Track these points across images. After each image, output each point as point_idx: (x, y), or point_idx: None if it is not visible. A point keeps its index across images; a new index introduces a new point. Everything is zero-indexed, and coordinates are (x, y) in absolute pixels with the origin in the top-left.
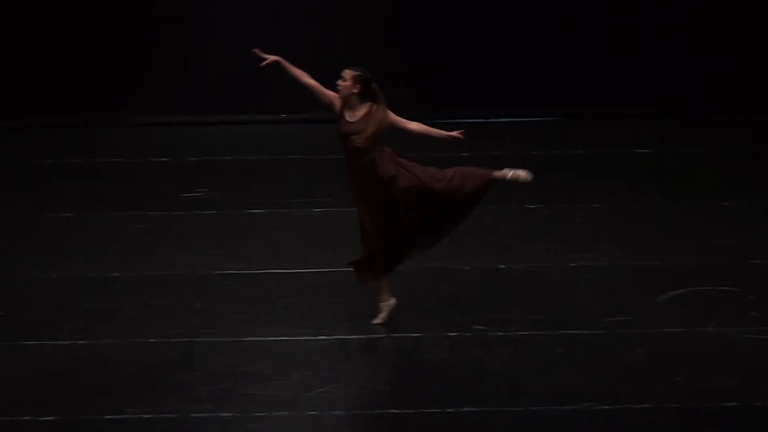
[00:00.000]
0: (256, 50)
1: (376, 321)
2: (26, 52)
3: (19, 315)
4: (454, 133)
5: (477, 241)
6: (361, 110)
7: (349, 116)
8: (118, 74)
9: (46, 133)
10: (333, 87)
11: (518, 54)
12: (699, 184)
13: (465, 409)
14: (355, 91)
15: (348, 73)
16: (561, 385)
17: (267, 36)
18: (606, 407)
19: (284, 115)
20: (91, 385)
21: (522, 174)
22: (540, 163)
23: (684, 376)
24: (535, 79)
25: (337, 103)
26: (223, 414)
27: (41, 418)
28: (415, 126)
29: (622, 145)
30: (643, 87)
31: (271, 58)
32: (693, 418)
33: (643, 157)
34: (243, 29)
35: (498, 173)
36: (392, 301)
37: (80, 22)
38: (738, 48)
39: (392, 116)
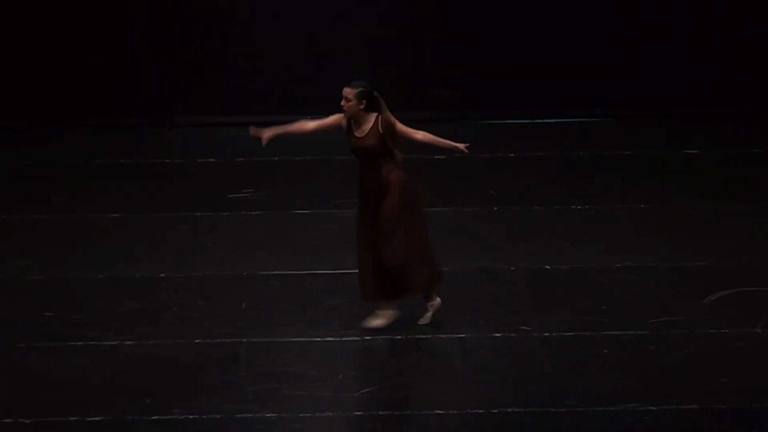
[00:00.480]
0: (252, 129)
1: (422, 321)
2: (74, 52)
3: (67, 315)
4: (460, 146)
5: (523, 241)
6: (368, 123)
7: (357, 132)
8: (165, 75)
9: (92, 134)
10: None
11: (565, 54)
12: (746, 185)
13: (510, 410)
14: (361, 107)
15: (350, 92)
16: (606, 385)
17: (313, 36)
18: (652, 408)
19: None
20: (138, 386)
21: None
22: (586, 163)
23: (731, 377)
24: (582, 80)
25: (343, 122)
26: (268, 414)
27: (89, 419)
28: (421, 135)
29: (669, 145)
30: (689, 88)
31: (267, 134)
32: (740, 419)
33: (690, 157)
34: (290, 30)
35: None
36: (437, 302)
37: (127, 23)
38: None
39: (399, 126)
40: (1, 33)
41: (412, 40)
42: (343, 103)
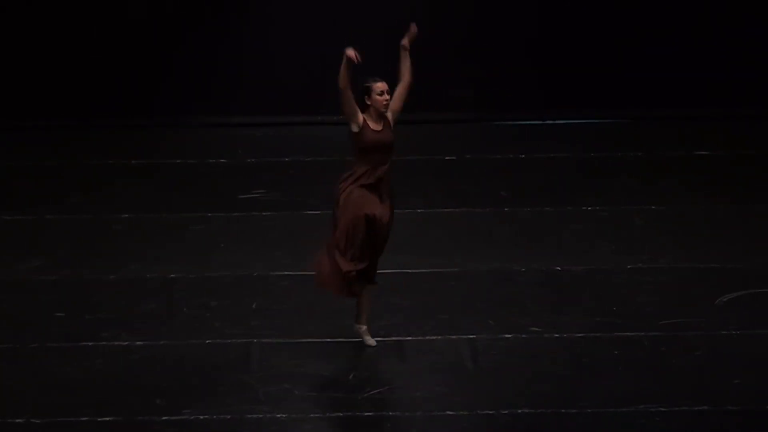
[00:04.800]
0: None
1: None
2: (88, 54)
3: (79, 316)
4: (409, 34)
5: (535, 242)
6: (383, 117)
7: (374, 125)
8: (177, 76)
9: (105, 135)
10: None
11: (579, 56)
12: (759, 186)
13: (520, 411)
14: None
15: (386, 85)
16: (618, 387)
17: (328, 38)
18: (663, 409)
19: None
20: (149, 386)
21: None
22: (599, 165)
23: (743, 379)
24: (596, 82)
25: (360, 117)
26: (279, 415)
27: (100, 419)
28: (406, 79)
29: (682, 147)
30: (703, 89)
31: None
32: (752, 421)
33: (703, 159)
34: (302, 31)
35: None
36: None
37: (140, 25)
38: None
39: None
40: (16, 34)
41: (426, 41)
42: (386, 97)
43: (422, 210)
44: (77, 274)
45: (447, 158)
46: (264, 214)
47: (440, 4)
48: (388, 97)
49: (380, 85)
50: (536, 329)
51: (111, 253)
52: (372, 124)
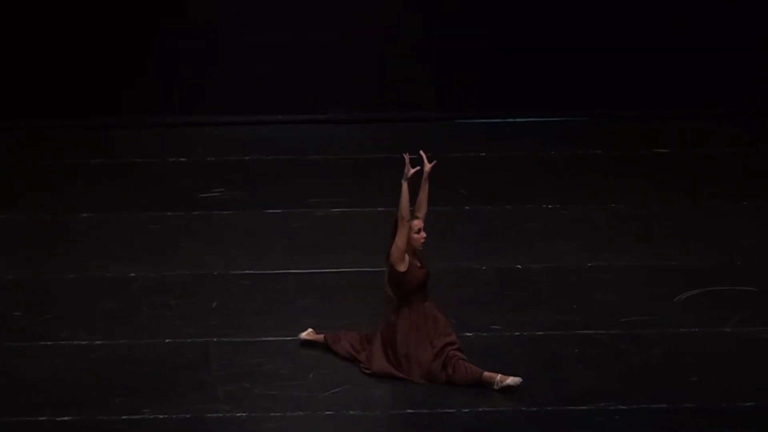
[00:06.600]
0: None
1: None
2: (49, 54)
3: (37, 315)
4: (427, 166)
5: (495, 240)
6: (415, 253)
7: (414, 261)
8: (138, 75)
9: (64, 134)
10: None
11: (540, 54)
12: (718, 184)
13: (480, 409)
14: None
15: (422, 222)
16: (577, 385)
17: (291, 36)
18: (622, 407)
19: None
20: (109, 385)
21: (511, 381)
22: (559, 163)
23: (700, 376)
24: (557, 80)
25: (408, 257)
26: (239, 414)
27: (59, 418)
28: (424, 206)
29: (642, 145)
30: (663, 88)
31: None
32: (709, 418)
33: (662, 157)
34: (266, 30)
35: (487, 375)
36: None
37: (104, 24)
38: (761, 50)
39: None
40: None
41: (389, 39)
42: (422, 234)
43: (383, 209)
44: (36, 274)
45: (412, 157)
46: (224, 213)
47: (402, 2)
48: (425, 234)
49: (417, 223)
50: (496, 327)
51: (70, 253)
52: (413, 261)
